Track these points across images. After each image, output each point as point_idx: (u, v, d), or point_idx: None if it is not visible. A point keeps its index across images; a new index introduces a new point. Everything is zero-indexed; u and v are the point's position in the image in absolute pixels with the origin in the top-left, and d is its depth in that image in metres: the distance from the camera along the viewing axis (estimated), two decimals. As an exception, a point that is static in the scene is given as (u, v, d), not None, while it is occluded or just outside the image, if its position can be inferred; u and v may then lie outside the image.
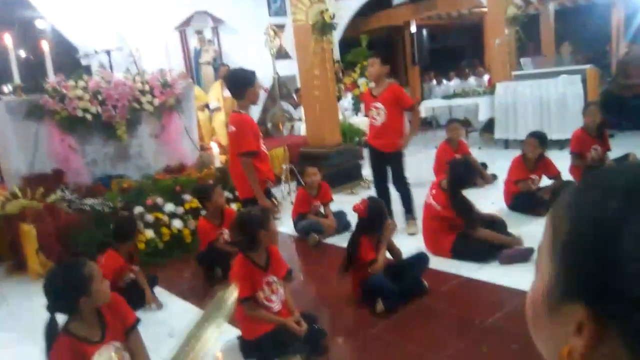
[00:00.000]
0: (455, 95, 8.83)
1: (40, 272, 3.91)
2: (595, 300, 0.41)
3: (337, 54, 10.09)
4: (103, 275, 2.07)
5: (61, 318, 1.99)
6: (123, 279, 3.34)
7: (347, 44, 10.88)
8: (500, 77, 7.97)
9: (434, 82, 12.46)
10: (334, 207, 4.65)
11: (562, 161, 4.77)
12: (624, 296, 0.39)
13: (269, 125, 8.63)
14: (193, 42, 8.64)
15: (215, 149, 5.38)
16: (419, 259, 3.24)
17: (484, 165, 5.89)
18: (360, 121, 8.15)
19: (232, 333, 2.68)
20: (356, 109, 9.42)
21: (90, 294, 1.94)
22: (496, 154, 6.87)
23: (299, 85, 7.69)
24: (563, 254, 0.45)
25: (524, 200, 4.38)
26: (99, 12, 7.25)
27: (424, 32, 12.79)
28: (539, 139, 4.44)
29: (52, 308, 1.94)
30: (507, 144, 7.47)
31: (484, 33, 10.57)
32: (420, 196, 4.00)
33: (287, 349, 2.39)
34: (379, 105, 4.15)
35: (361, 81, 9.50)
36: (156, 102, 5.12)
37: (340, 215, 4.57)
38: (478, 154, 6.45)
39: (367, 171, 5.21)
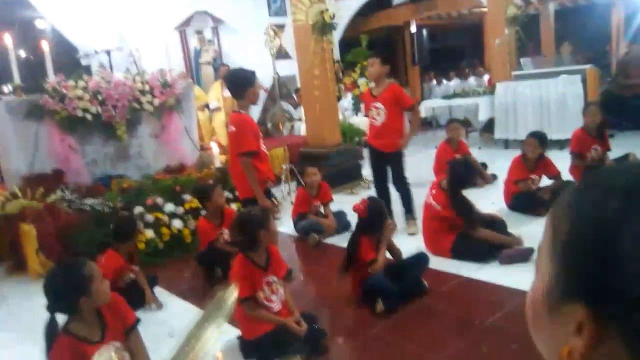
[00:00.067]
0: (455, 95, 8.83)
1: (40, 272, 3.91)
2: (595, 300, 0.41)
3: (337, 54, 10.09)
4: (103, 275, 2.07)
5: (61, 318, 1.99)
6: (123, 279, 3.34)
7: (347, 44, 10.88)
8: (500, 77, 7.97)
9: (434, 82, 12.46)
10: (334, 207, 4.66)
11: (562, 161, 4.77)
12: (624, 296, 0.39)
13: (269, 125, 8.63)
14: (193, 42, 8.64)
15: (215, 149, 5.38)
16: (419, 259, 3.24)
17: (484, 165, 5.89)
18: (360, 121, 8.15)
19: (232, 333, 2.68)
20: (356, 109, 9.42)
21: (90, 294, 1.95)
22: (496, 154, 6.87)
23: (299, 85, 7.69)
24: (563, 254, 0.45)
25: (524, 200, 4.38)
26: (99, 12, 7.25)
27: (424, 32, 12.80)
28: (539, 139, 4.44)
29: (52, 308, 1.94)
30: (507, 144, 7.47)
31: (484, 33, 10.58)
32: (420, 196, 4.00)
33: (287, 349, 2.39)
34: (379, 105, 4.15)
35: (361, 81, 9.51)
36: (156, 102, 5.12)
37: (340, 215, 4.57)
38: (478, 154, 6.45)
39: (367, 171, 5.21)
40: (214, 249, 3.75)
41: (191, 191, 4.54)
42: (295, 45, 6.22)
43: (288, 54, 8.89)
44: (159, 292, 3.54)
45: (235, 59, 8.30)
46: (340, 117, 7.29)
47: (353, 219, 3.67)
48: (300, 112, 7.82)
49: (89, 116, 4.69)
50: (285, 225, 4.78)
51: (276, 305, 2.61)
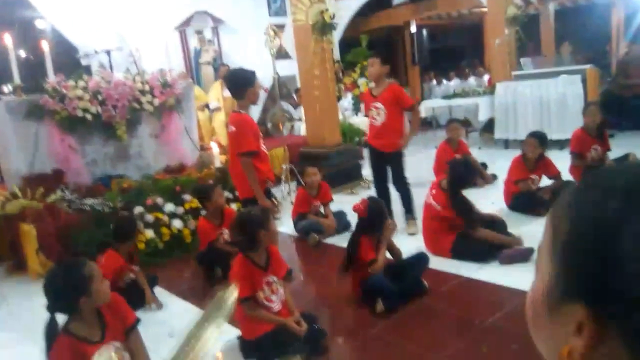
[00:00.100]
0: (455, 95, 8.83)
1: (40, 272, 3.91)
2: (595, 300, 0.41)
3: (337, 54, 10.09)
4: (103, 275, 2.07)
5: (61, 318, 1.99)
6: (123, 279, 3.34)
7: (347, 44, 10.88)
8: (500, 77, 7.97)
9: (434, 82, 12.46)
10: (334, 207, 4.66)
11: (562, 161, 4.77)
12: (624, 296, 0.39)
13: (269, 125, 8.62)
14: (193, 42, 8.64)
15: (215, 149, 5.38)
16: (419, 259, 3.24)
17: (484, 165, 5.89)
18: (360, 121, 8.15)
19: (232, 333, 2.68)
20: (356, 109, 9.42)
21: (90, 294, 1.95)
22: (496, 154, 6.87)
23: (299, 85, 7.69)
24: (563, 253, 0.45)
25: (524, 200, 4.38)
26: (99, 12, 7.25)
27: (424, 32, 12.80)
28: (539, 139, 4.44)
29: (52, 308, 1.95)
30: (507, 144, 7.47)
31: (484, 33, 10.58)
32: (421, 196, 4.00)
33: (287, 349, 2.39)
34: (379, 105, 4.15)
35: (361, 81, 9.50)
36: (156, 102, 5.13)
37: (340, 215, 4.57)
38: (478, 154, 6.45)
39: (367, 171, 5.21)
40: (214, 249, 3.75)
41: (191, 191, 4.54)
42: (295, 45, 6.22)
43: (288, 54, 8.89)
44: (159, 292, 3.54)
45: (235, 59, 8.30)
46: (340, 117, 7.29)
47: (353, 219, 3.67)
48: (300, 112, 7.82)
49: (89, 116, 4.69)
50: (285, 225, 4.78)
51: (276, 305, 2.61)
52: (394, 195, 4.35)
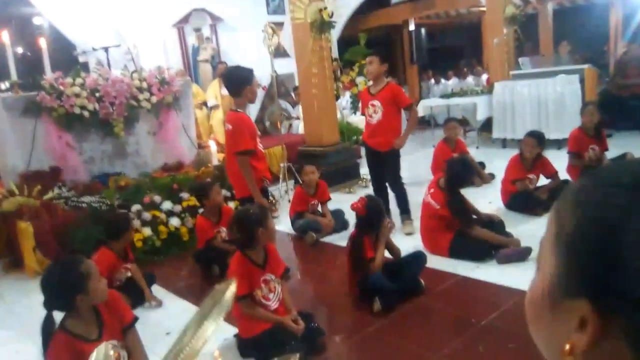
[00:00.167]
0: (453, 94, 8.83)
1: (37, 270, 3.91)
2: (598, 295, 0.41)
3: (335, 53, 10.08)
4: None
5: (58, 315, 1.99)
6: (116, 277, 3.29)
7: (346, 42, 10.87)
8: (499, 76, 7.98)
9: (432, 81, 12.47)
10: (331, 205, 4.65)
11: (559, 161, 4.78)
12: (626, 292, 0.39)
13: (267, 123, 8.63)
14: (191, 40, 8.63)
15: (213, 146, 5.38)
16: (417, 258, 3.23)
17: (482, 165, 5.89)
18: (359, 120, 8.13)
19: (230, 331, 2.68)
20: (354, 108, 9.41)
21: (87, 291, 1.95)
22: (494, 153, 6.88)
23: (297, 83, 7.68)
24: (567, 249, 0.44)
25: (521, 200, 4.38)
26: (97, 9, 7.23)
27: (423, 31, 12.78)
28: (537, 139, 4.44)
29: (49, 305, 1.95)
30: (505, 143, 7.48)
31: (483, 32, 10.57)
32: (418, 195, 4.00)
33: (285, 347, 2.39)
34: (376, 103, 4.14)
35: (359, 80, 9.50)
36: (154, 99, 5.12)
37: (338, 214, 4.57)
38: (476, 153, 6.46)
39: (365, 170, 5.20)
40: (212, 247, 3.75)
41: (189, 189, 4.54)
42: (293, 43, 6.21)
43: (286, 52, 8.88)
44: (156, 290, 3.53)
45: (234, 57, 8.29)
46: (339, 115, 7.29)
47: (351, 217, 3.67)
48: (298, 110, 7.82)
49: (86, 113, 4.68)
50: (282, 224, 4.78)
51: (273, 304, 2.61)
52: (392, 194, 4.35)
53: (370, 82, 4.34)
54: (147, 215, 4.30)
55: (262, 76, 7.16)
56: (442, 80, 12.23)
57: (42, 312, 1.95)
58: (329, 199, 4.67)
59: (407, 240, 3.89)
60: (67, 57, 7.57)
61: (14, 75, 4.55)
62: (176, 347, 0.62)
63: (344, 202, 4.49)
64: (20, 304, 3.59)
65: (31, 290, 3.42)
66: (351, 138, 7.29)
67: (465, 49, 14.77)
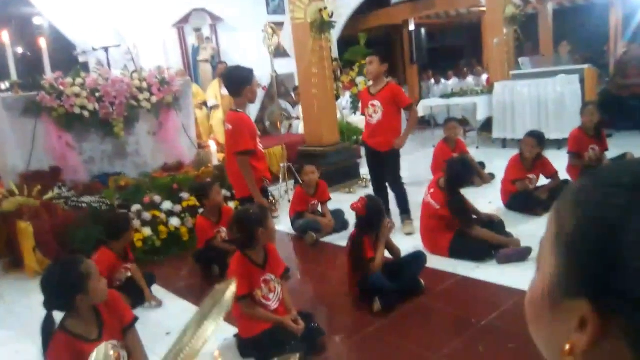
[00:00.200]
0: (453, 94, 8.83)
1: (37, 270, 3.91)
2: (599, 295, 0.41)
3: (335, 52, 10.08)
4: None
5: (58, 315, 1.99)
6: (116, 277, 3.28)
7: (346, 42, 10.87)
8: (499, 76, 7.97)
9: (432, 81, 12.47)
10: (331, 205, 4.65)
11: (559, 161, 4.78)
12: (626, 293, 0.39)
13: (267, 123, 8.63)
14: (191, 40, 8.63)
15: (213, 146, 5.38)
16: (417, 258, 3.23)
17: (482, 165, 5.89)
18: (359, 120, 8.13)
19: (230, 331, 2.68)
20: (354, 108, 9.41)
21: (87, 291, 1.95)
22: (494, 154, 6.88)
23: (297, 83, 7.68)
24: (567, 249, 0.44)
25: (521, 200, 4.38)
26: (97, 9, 7.23)
27: (423, 31, 12.78)
28: (537, 139, 4.44)
29: (49, 305, 1.95)
30: (505, 143, 7.48)
31: (483, 32, 10.58)
32: (418, 195, 4.00)
33: (285, 347, 2.39)
34: (376, 103, 4.14)
35: (359, 80, 9.50)
36: (154, 99, 5.12)
37: (338, 214, 4.57)
38: (476, 153, 6.46)
39: (365, 170, 5.21)
40: (212, 247, 3.75)
41: (189, 189, 4.54)
42: (293, 43, 6.21)
43: (286, 52, 8.88)
44: (156, 290, 3.53)
45: (234, 57, 8.29)
46: (339, 115, 7.29)
47: (351, 217, 3.66)
48: (299, 110, 7.82)
49: (86, 113, 4.68)
50: (282, 224, 4.78)
51: (273, 304, 2.61)
52: (392, 194, 4.35)
53: (370, 82, 4.34)
54: (147, 215, 4.30)
55: (262, 76, 7.16)
56: (442, 80, 12.24)
57: (42, 312, 1.95)
58: (329, 199, 4.67)
59: (406, 241, 3.89)
60: (67, 57, 7.57)
61: (14, 75, 4.55)
62: (176, 347, 0.62)
63: (343, 202, 4.49)
64: (20, 304, 3.59)
65: (31, 290, 3.42)
66: (351, 138, 7.29)
67: (465, 49, 14.77)
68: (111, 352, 0.67)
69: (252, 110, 7.98)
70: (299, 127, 7.74)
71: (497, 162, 5.73)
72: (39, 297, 1.95)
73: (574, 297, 0.43)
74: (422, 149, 7.67)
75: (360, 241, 3.04)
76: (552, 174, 4.54)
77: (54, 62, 4.97)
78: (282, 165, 5.88)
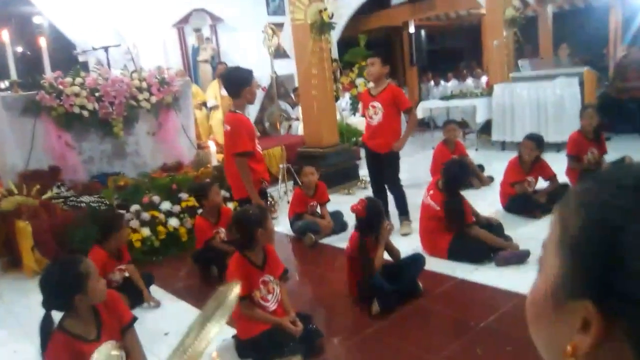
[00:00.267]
0: (452, 96, 8.83)
1: (36, 270, 3.90)
2: (602, 297, 0.41)
3: (335, 54, 10.09)
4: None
5: (57, 315, 1.99)
6: (109, 277, 3.20)
7: (346, 43, 10.87)
8: (498, 78, 7.98)
9: (432, 83, 12.47)
10: (330, 207, 4.65)
11: (558, 164, 4.78)
12: (629, 295, 0.39)
13: (267, 124, 8.63)
14: (191, 40, 8.63)
15: (212, 147, 5.38)
16: (416, 260, 3.24)
17: (481, 167, 5.89)
18: (358, 121, 8.14)
19: (228, 332, 2.68)
20: (354, 109, 9.41)
21: (86, 291, 1.94)
22: (493, 156, 6.89)
23: (296, 84, 7.68)
24: (571, 251, 0.45)
25: (519, 203, 4.38)
26: (97, 9, 7.23)
27: (422, 32, 12.79)
28: (536, 142, 4.45)
29: (48, 305, 1.94)
30: (504, 145, 7.49)
31: (482, 34, 10.58)
32: (417, 197, 4.00)
33: (283, 349, 2.39)
34: (376, 104, 4.14)
35: (359, 81, 9.50)
36: (153, 99, 5.12)
37: (337, 216, 4.57)
38: (475, 156, 6.47)
39: (364, 171, 5.21)
40: (211, 248, 3.75)
41: (188, 189, 4.54)
42: (293, 44, 6.21)
43: (286, 53, 8.88)
44: (155, 290, 3.53)
45: (234, 58, 8.29)
46: (338, 117, 7.29)
47: (350, 219, 3.66)
48: (298, 111, 7.82)
49: (85, 113, 4.68)
50: (281, 225, 4.78)
51: (272, 305, 2.61)
52: (391, 196, 4.35)
53: (370, 84, 4.34)
54: (145, 216, 4.30)
55: (262, 77, 7.16)
56: (442, 82, 12.24)
57: (41, 312, 1.95)
58: (328, 200, 4.67)
59: (405, 242, 3.89)
60: (67, 57, 7.56)
61: (13, 75, 4.55)
62: (179, 349, 0.62)
63: (343, 203, 4.49)
64: (19, 303, 3.59)
65: (30, 289, 3.42)
66: (350, 139, 7.30)
67: (465, 51, 14.78)
68: (113, 352, 0.67)
69: (252, 111, 7.98)
70: (299, 128, 7.73)
71: (496, 165, 5.73)
72: (38, 297, 1.94)
73: (577, 298, 0.43)
74: (421, 151, 7.68)
75: (364, 243, 3.04)
76: (550, 176, 4.55)
77: (53, 61, 4.97)
78: (281, 166, 5.88)
